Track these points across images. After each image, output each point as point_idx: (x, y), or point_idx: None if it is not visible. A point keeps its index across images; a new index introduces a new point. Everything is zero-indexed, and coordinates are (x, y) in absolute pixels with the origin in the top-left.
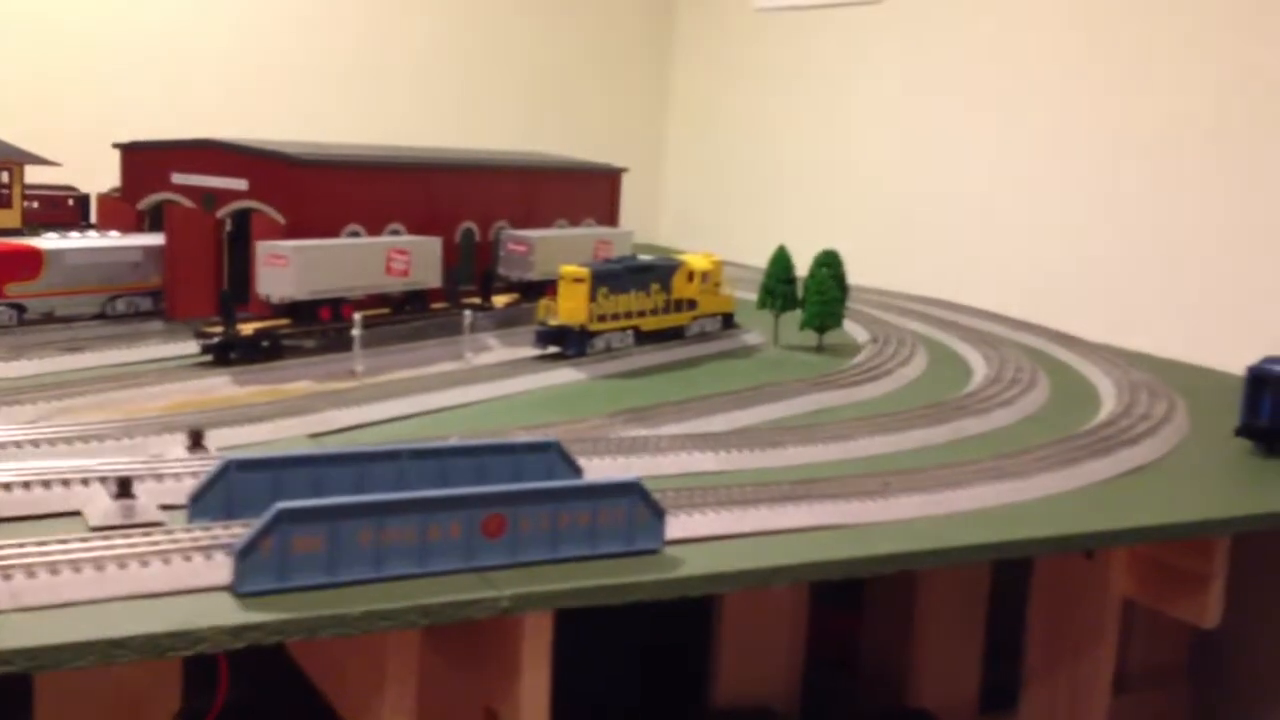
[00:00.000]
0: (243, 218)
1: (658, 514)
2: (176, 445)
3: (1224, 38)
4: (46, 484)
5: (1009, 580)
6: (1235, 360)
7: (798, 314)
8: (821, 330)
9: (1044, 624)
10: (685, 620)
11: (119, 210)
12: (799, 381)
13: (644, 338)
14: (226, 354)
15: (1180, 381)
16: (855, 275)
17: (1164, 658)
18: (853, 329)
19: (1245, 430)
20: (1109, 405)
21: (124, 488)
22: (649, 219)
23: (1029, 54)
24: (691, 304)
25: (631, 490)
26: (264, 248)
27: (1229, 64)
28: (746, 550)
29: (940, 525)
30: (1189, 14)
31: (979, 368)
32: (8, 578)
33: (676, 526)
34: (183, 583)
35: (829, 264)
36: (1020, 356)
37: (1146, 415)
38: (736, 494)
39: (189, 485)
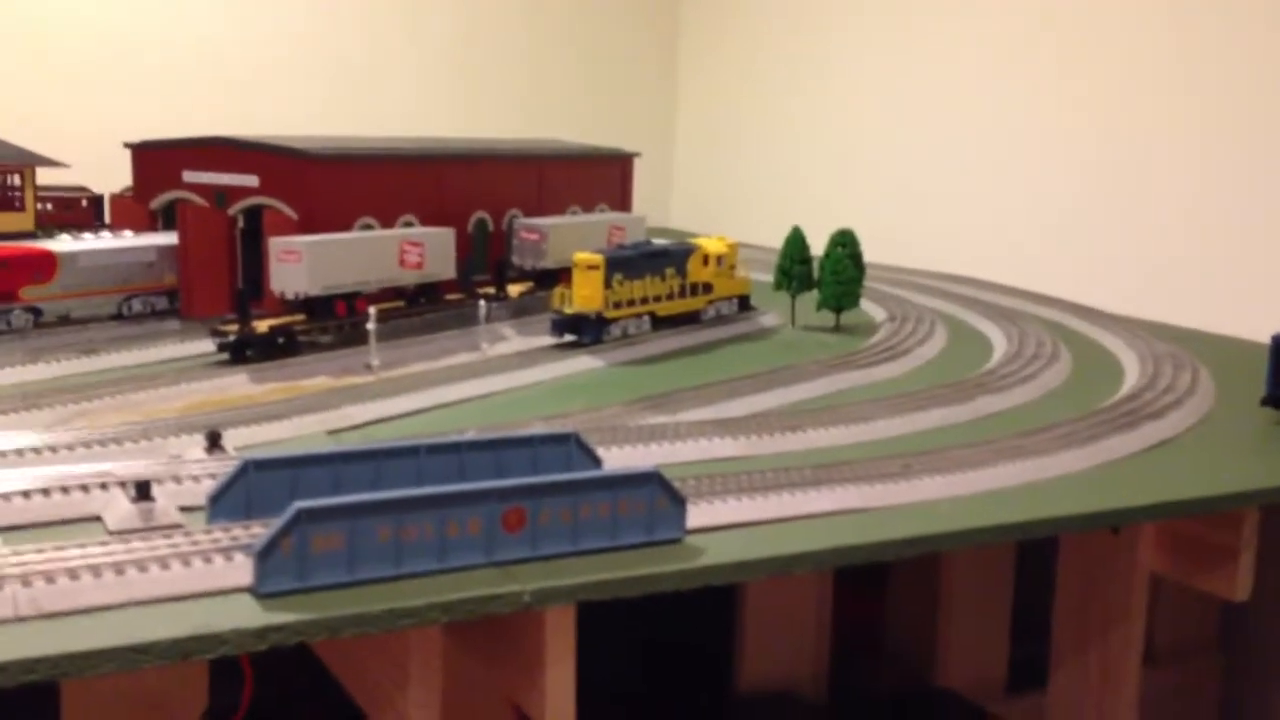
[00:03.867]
0: (255, 214)
1: (678, 503)
2: (195, 446)
3: (1237, 9)
4: (65, 489)
5: (1035, 557)
6: (1260, 328)
7: (814, 294)
8: (839, 310)
9: (1071, 601)
10: (708, 606)
11: (132, 210)
12: (817, 363)
13: (660, 323)
14: (243, 352)
15: (1204, 351)
16: (871, 253)
17: (1194, 631)
18: (870, 308)
19: (1272, 400)
20: (1132, 378)
21: (143, 491)
22: (661, 203)
23: (1044, 24)
24: (707, 287)
25: (651, 480)
26: (277, 244)
27: (1247, 36)
28: (769, 537)
29: (963, 506)
30: None
31: (999, 344)
32: (28, 584)
33: (698, 515)
34: (204, 585)
35: (845, 243)
36: (1040, 331)
37: (1170, 387)
38: (757, 480)
39: (208, 486)
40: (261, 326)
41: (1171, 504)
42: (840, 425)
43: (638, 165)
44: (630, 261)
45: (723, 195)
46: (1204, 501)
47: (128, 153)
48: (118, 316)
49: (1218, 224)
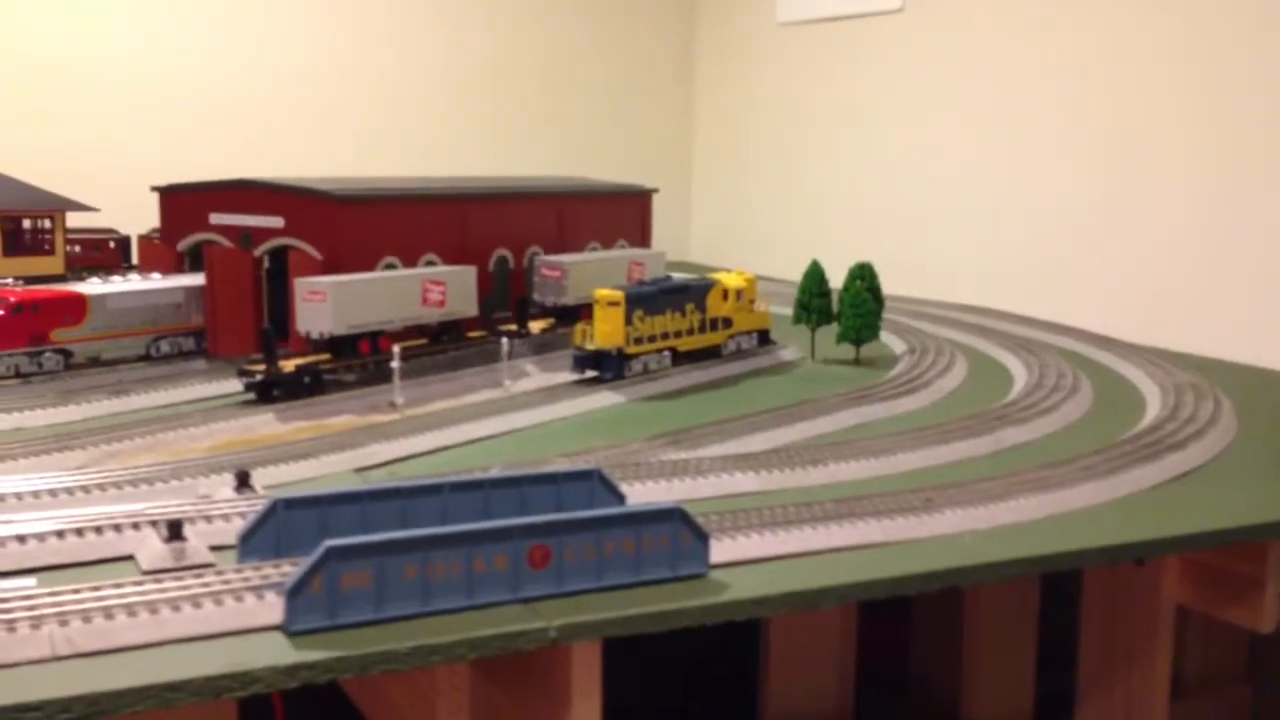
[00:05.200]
0: (280, 255)
1: (702, 538)
2: (224, 485)
3: (1253, 39)
4: (99, 529)
5: (1060, 588)
6: None
7: (834, 328)
8: (858, 343)
9: (1097, 633)
10: (733, 638)
11: (159, 252)
12: (837, 396)
13: (681, 358)
14: (269, 391)
15: (1225, 381)
16: (890, 285)
17: (1222, 661)
18: (890, 340)
19: None
20: (1153, 409)
21: (174, 530)
22: (680, 237)
23: (1055, 55)
24: (727, 322)
25: (674, 515)
26: (302, 284)
27: (1263, 63)
28: (792, 571)
29: (986, 540)
30: (1230, 8)
31: (1019, 375)
32: (64, 624)
33: (721, 550)
34: (235, 623)
35: (863, 276)
36: (1061, 361)
37: (1192, 418)
38: (780, 514)
39: (238, 525)
40: (288, 366)
41: (1196, 536)
42: (861, 459)
43: (656, 201)
44: (651, 297)
45: (741, 229)
46: (1228, 533)
47: (152, 194)
48: (146, 357)
49: (1237, 252)
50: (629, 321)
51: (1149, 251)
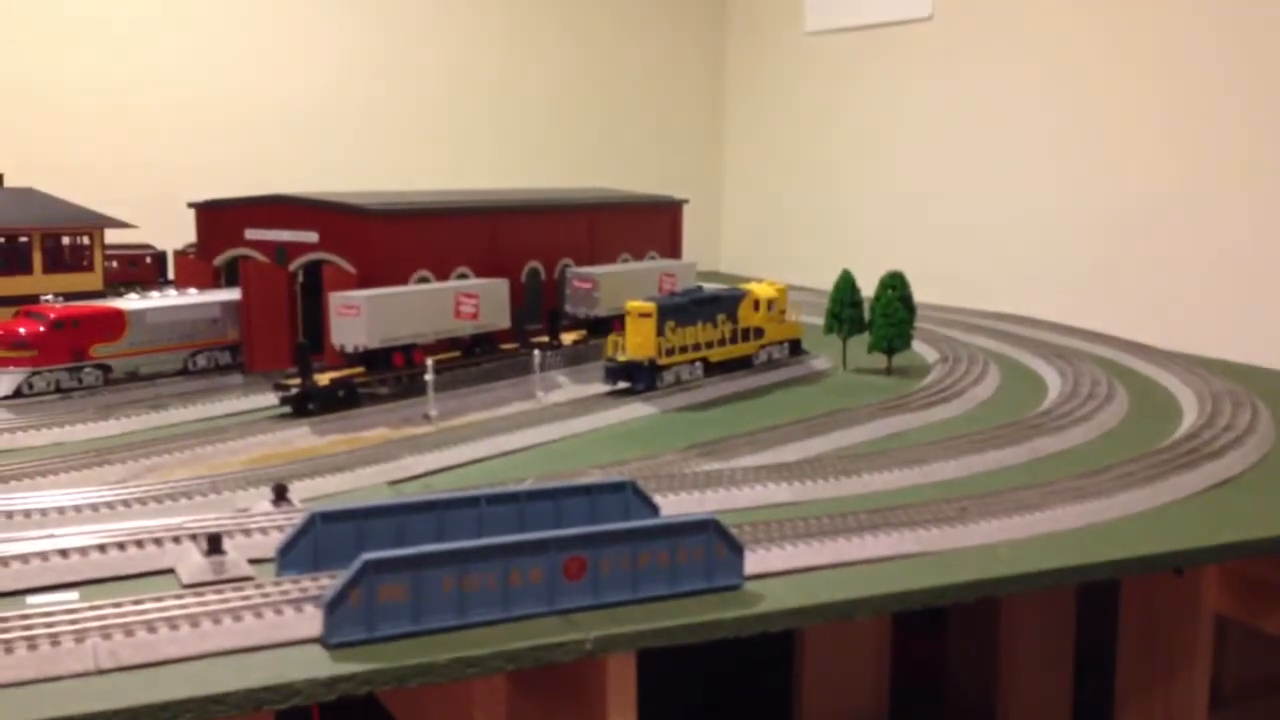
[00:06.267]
0: (314, 269)
1: (736, 549)
2: (262, 499)
3: None
4: (140, 543)
5: (1097, 598)
6: None
7: (866, 337)
8: (890, 352)
9: (1135, 643)
10: (767, 649)
11: (195, 267)
12: (870, 406)
13: (712, 369)
14: (305, 405)
15: (1263, 388)
16: (921, 293)
17: (1261, 672)
18: (922, 349)
19: None
20: (1190, 417)
21: (214, 544)
22: (710, 248)
23: (1088, 62)
24: (759, 332)
25: (709, 527)
26: (336, 298)
27: None
28: (827, 582)
29: (1022, 549)
30: (1261, 14)
31: (1053, 383)
32: (107, 637)
33: (755, 561)
34: (275, 636)
35: (894, 285)
36: (1095, 369)
37: (1230, 426)
38: (814, 525)
39: (276, 539)
40: (323, 379)
41: (1235, 545)
42: (895, 469)
43: (686, 211)
44: (682, 308)
45: (772, 239)
46: (1269, 542)
47: (188, 210)
48: (183, 372)
49: (1272, 258)
50: (661, 333)
51: (1184, 258)
